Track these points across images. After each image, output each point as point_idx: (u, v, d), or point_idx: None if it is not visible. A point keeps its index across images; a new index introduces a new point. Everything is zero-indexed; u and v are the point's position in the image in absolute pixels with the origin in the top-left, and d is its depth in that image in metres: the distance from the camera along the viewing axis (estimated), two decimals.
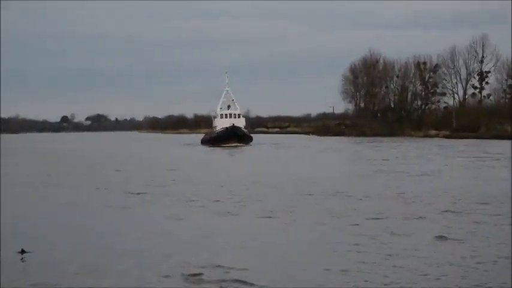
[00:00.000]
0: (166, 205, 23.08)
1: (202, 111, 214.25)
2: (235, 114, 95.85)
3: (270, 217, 19.86)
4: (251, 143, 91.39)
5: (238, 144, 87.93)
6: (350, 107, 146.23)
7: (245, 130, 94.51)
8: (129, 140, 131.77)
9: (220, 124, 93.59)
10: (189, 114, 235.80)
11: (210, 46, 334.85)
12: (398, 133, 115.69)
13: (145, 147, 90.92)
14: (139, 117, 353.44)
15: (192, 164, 49.13)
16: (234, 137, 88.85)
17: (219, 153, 69.77)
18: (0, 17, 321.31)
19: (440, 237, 16.07)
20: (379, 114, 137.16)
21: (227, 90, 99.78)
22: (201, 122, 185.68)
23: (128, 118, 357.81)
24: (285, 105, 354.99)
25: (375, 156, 55.14)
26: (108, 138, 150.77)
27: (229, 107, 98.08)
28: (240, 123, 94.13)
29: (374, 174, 35.29)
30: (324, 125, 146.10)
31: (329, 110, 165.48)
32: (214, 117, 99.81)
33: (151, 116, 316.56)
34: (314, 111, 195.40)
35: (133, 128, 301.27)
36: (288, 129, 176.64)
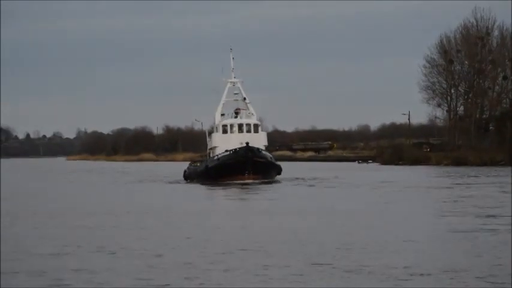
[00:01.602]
0: None
1: (181, 121, 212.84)
2: (249, 126, 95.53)
3: None
4: (278, 178, 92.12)
5: (257, 180, 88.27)
6: (439, 113, 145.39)
7: (268, 154, 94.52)
8: (46, 176, 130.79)
9: (222, 144, 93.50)
10: (157, 127, 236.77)
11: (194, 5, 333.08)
12: None
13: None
14: (70, 133, 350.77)
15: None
16: (249, 166, 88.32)
17: (223, 204, 66.74)
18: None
19: None
20: (491, 127, 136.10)
21: (233, 83, 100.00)
22: (181, 142, 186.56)
23: (49, 134, 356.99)
24: (323, 112, 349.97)
25: None
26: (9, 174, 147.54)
27: (237, 112, 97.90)
28: (259, 141, 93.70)
29: None
30: (394, 146, 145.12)
31: (401, 120, 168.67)
32: (210, 133, 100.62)
33: (89, 130, 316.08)
34: (375, 122, 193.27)
35: (60, 152, 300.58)
36: (330, 152, 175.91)
